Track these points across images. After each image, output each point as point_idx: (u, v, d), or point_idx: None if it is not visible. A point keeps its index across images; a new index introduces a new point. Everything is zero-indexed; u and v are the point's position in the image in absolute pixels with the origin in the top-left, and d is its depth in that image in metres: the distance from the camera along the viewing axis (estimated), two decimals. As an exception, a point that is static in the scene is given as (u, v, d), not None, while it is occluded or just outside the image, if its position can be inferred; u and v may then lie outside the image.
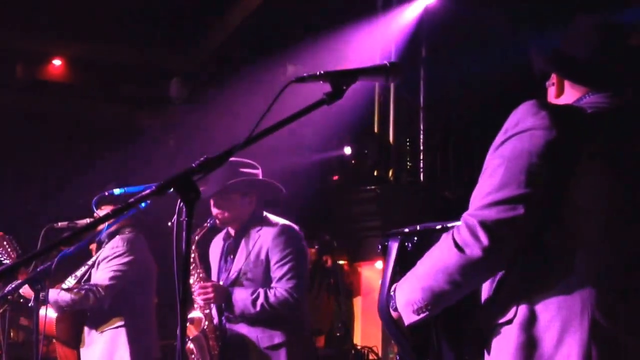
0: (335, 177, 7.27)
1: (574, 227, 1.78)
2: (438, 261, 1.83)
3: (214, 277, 3.81)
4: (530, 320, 1.76)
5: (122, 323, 4.32)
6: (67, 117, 8.29)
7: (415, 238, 2.07)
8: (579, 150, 1.79)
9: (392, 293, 1.96)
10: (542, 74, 2.07)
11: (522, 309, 1.78)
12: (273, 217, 3.81)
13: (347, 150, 7.06)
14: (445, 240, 1.82)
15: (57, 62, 8.12)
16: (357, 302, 7.52)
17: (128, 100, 8.45)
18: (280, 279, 3.62)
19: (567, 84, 2.00)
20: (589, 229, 1.77)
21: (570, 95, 1.98)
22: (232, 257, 3.76)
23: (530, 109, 1.82)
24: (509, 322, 1.80)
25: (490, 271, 1.84)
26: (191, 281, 3.68)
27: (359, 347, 6.81)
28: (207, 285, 3.61)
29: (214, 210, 3.71)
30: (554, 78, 2.04)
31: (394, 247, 2.07)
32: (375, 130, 7.14)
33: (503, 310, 1.82)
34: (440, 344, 1.97)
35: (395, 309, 1.93)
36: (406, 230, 2.11)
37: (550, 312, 1.75)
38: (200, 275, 3.73)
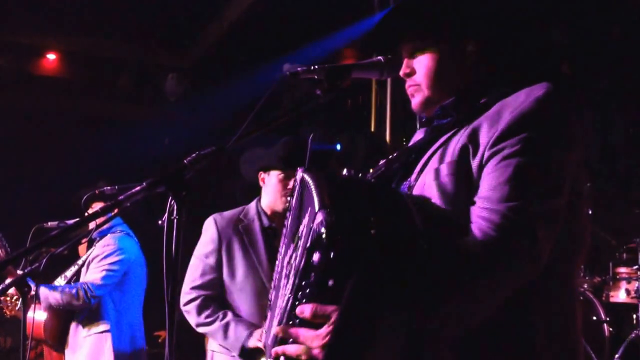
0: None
1: None
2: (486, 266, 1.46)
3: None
4: None
5: (107, 328, 4.23)
6: (60, 113, 8.21)
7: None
8: None
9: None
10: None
11: None
12: None
13: (337, 146, 7.02)
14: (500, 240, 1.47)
15: (51, 56, 8.04)
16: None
17: (123, 96, 8.39)
18: None
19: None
20: None
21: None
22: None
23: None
24: None
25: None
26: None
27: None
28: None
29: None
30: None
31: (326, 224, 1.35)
32: (372, 128, 7.11)
33: None
34: None
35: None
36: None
37: None
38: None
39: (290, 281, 1.48)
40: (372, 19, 6.61)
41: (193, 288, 3.30)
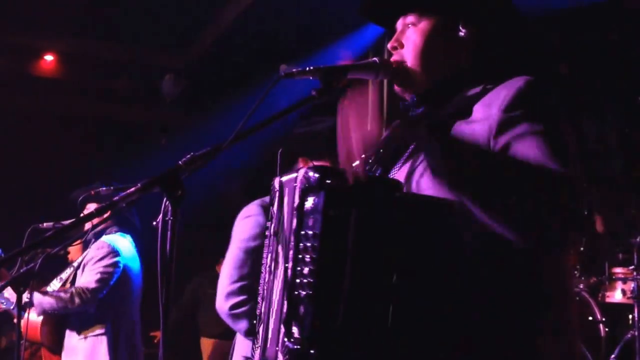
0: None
1: None
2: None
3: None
4: None
5: (103, 330, 4.19)
6: (57, 114, 8.21)
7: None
8: None
9: None
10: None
11: None
12: None
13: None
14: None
15: (48, 57, 8.02)
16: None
17: (120, 97, 8.38)
18: None
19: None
20: None
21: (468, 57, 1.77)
22: None
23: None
24: None
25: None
26: None
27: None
28: None
29: None
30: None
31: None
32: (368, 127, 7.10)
33: None
34: None
35: None
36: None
37: None
38: None
39: (285, 262, 1.46)
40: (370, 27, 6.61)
41: (244, 288, 2.78)
